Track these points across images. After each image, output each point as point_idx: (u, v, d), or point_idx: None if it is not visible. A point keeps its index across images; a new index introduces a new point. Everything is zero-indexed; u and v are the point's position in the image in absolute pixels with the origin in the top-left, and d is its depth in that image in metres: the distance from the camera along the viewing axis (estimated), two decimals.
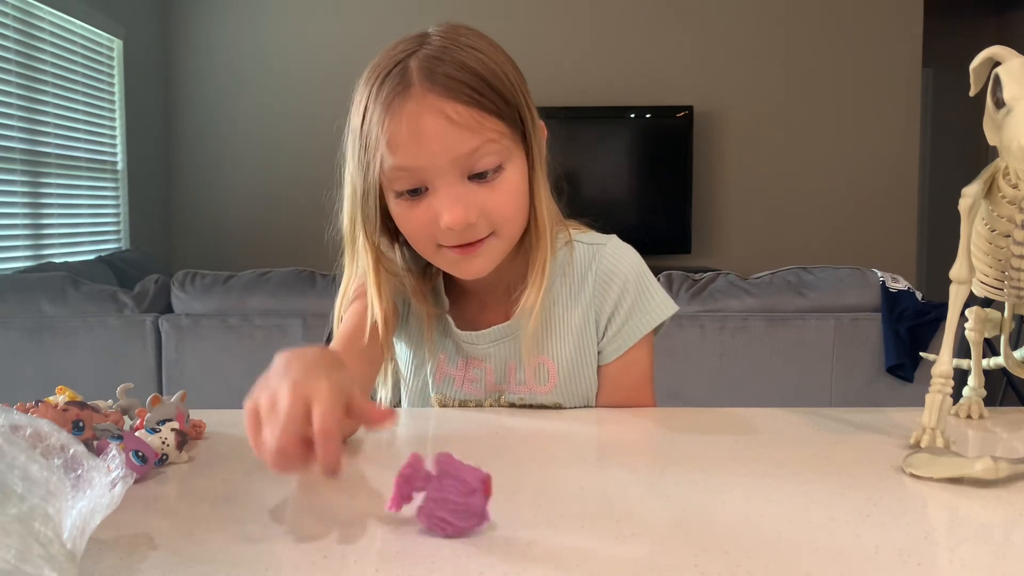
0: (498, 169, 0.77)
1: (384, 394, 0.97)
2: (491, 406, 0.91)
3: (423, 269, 0.90)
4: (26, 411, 0.65)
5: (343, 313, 0.91)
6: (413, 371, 0.95)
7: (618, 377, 0.90)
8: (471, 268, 0.81)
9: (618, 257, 0.90)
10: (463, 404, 0.92)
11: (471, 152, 0.75)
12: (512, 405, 0.90)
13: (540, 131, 0.83)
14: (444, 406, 0.92)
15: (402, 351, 0.97)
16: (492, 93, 0.76)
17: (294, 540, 0.50)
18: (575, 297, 0.89)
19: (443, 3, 4.28)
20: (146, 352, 2.18)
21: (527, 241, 0.85)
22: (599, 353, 0.91)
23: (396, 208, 0.79)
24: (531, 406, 0.90)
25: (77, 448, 0.46)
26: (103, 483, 0.45)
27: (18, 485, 0.40)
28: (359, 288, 0.89)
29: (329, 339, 0.91)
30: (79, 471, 0.45)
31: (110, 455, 0.48)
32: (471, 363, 0.91)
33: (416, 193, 0.77)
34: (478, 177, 0.76)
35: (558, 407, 0.89)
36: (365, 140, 0.77)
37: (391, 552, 0.48)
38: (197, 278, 2.21)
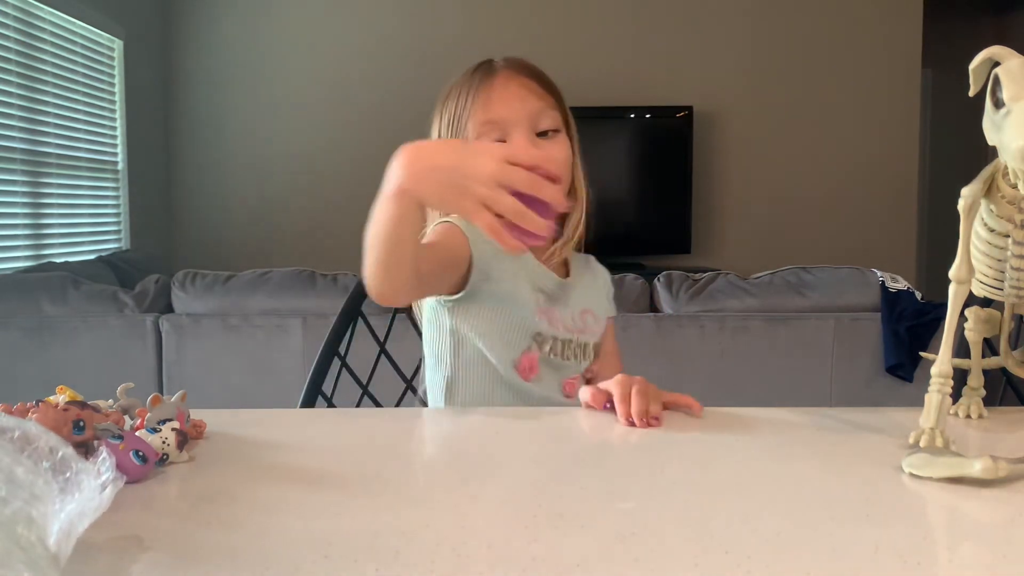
0: (556, 131, 1.05)
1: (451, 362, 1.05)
2: (570, 345, 1.07)
3: None
4: (26, 411, 0.65)
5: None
6: (503, 315, 1.02)
7: (610, 338, 1.18)
8: None
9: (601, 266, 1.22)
10: (555, 340, 1.05)
11: (539, 111, 1.03)
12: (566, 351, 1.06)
13: (576, 133, 1.11)
14: (540, 340, 1.04)
15: (480, 307, 1.02)
16: (551, 86, 1.07)
17: (294, 540, 0.50)
18: (594, 276, 1.18)
19: (444, 5, 4.28)
20: (146, 352, 2.18)
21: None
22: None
23: None
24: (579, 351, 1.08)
25: (66, 451, 0.45)
26: (92, 486, 0.45)
27: (1, 488, 0.39)
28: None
29: None
30: (68, 474, 0.44)
31: (100, 458, 0.48)
32: (553, 307, 1.08)
33: None
34: (542, 135, 1.03)
35: (598, 347, 1.11)
36: (459, 112, 1.03)
37: (391, 552, 0.48)
38: (197, 278, 2.21)
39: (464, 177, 0.70)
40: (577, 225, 1.08)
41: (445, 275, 0.98)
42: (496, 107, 1.01)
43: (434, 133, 1.07)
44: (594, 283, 1.17)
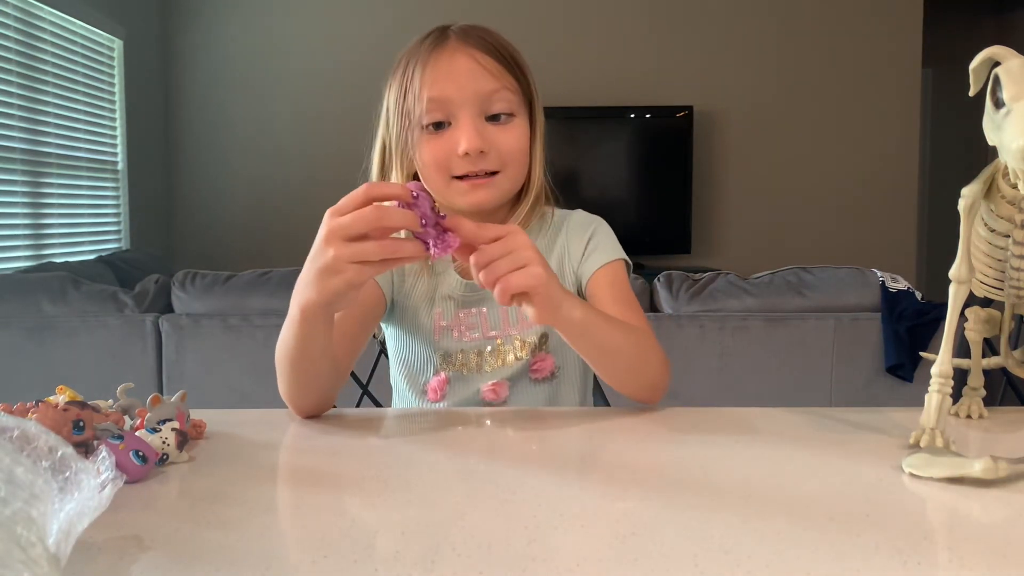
0: (510, 115, 0.93)
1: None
2: (490, 352, 0.98)
3: None
4: (26, 411, 0.65)
5: None
6: (406, 344, 1.02)
7: (604, 287, 0.99)
8: (478, 197, 0.93)
9: (588, 215, 1.07)
10: (464, 353, 0.99)
11: (491, 92, 0.91)
12: (506, 357, 0.98)
13: (541, 113, 0.99)
14: (448, 360, 0.99)
15: (391, 334, 1.05)
16: (511, 59, 0.94)
17: (294, 540, 0.50)
18: (548, 250, 1.02)
19: (444, 5, 4.28)
20: (146, 352, 2.18)
21: (521, 197, 0.99)
22: (583, 276, 1.02)
23: (422, 144, 0.93)
24: (519, 348, 0.99)
25: (66, 450, 0.45)
26: (92, 485, 0.45)
27: (1, 488, 0.40)
28: None
29: None
30: (67, 473, 0.44)
31: (99, 457, 0.48)
32: (464, 313, 1.00)
33: (441, 127, 0.92)
34: (493, 119, 0.92)
35: (545, 338, 0.99)
36: (407, 85, 0.93)
37: (390, 552, 0.48)
38: (197, 278, 2.21)
39: (319, 258, 0.68)
40: (528, 208, 0.98)
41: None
42: (442, 84, 0.90)
43: (384, 106, 0.97)
44: (551, 254, 1.02)
